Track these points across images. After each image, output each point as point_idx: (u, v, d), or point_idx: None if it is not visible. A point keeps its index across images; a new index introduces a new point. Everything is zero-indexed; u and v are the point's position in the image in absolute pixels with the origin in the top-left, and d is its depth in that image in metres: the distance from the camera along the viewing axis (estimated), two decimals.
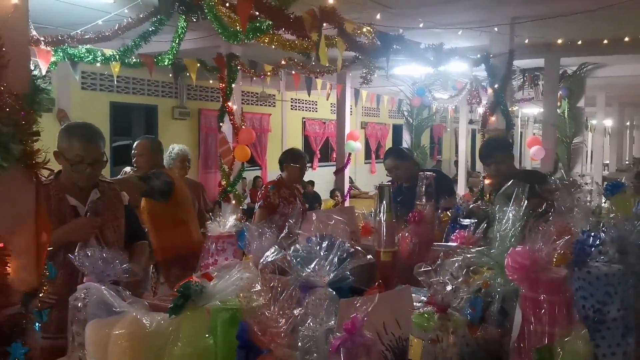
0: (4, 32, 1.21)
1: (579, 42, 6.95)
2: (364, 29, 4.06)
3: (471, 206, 2.96)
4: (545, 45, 7.21)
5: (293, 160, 4.32)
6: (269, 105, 12.69)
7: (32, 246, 1.29)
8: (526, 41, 6.71)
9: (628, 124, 22.20)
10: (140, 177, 3.68)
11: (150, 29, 4.14)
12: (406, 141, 12.23)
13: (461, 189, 10.65)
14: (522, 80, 8.78)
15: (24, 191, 1.28)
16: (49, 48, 3.99)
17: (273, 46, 4.52)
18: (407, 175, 3.89)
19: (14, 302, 1.23)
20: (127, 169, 5.28)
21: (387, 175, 4.13)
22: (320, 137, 14.55)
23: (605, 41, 6.75)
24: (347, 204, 8.97)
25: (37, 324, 1.30)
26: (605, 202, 2.28)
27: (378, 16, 4.79)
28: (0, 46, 1.19)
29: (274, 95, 12.07)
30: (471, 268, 1.74)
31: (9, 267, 1.21)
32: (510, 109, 5.75)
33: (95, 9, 5.35)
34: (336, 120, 9.68)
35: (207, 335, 1.49)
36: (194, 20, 3.59)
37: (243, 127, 6.51)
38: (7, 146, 1.16)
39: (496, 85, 5.44)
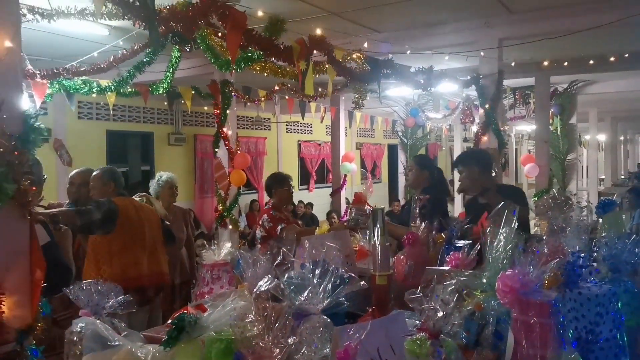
0: None
1: (566, 63, 7.07)
2: (354, 55, 4.13)
3: (465, 227, 2.98)
4: (535, 65, 7.31)
5: (280, 184, 4.34)
6: (264, 129, 12.76)
7: (27, 283, 1.30)
8: (512, 64, 6.82)
9: (622, 138, 22.34)
10: (76, 211, 3.34)
11: (144, 60, 4.20)
12: (402, 161, 12.28)
13: (457, 209, 10.65)
14: (513, 99, 8.87)
15: (18, 229, 1.30)
16: (44, 81, 4.03)
17: (265, 74, 4.58)
18: (417, 181, 4.06)
19: (8, 340, 1.23)
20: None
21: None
22: (316, 159, 14.60)
23: (592, 61, 6.87)
24: None
25: None
26: (599, 220, 2.30)
27: (365, 44, 4.88)
28: None
29: (269, 119, 12.14)
30: (464, 291, 1.75)
31: (4, 304, 1.22)
32: (502, 128, 5.81)
33: (90, 41, 5.42)
34: (331, 142, 9.74)
35: None
36: (187, 50, 3.64)
37: (238, 152, 6.54)
38: (1, 186, 1.18)
39: (487, 105, 5.51)
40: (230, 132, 6.45)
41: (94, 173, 3.77)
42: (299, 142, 14.20)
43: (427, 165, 4.15)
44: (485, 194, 3.45)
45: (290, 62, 3.22)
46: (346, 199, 9.84)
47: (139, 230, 3.60)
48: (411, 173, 4.12)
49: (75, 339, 1.76)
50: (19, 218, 1.29)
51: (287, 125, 13.60)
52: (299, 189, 14.05)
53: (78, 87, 4.74)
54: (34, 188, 1.27)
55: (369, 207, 3.73)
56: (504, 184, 3.84)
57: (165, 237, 3.86)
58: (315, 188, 14.30)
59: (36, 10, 3.38)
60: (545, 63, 7.00)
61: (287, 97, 7.38)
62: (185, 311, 1.59)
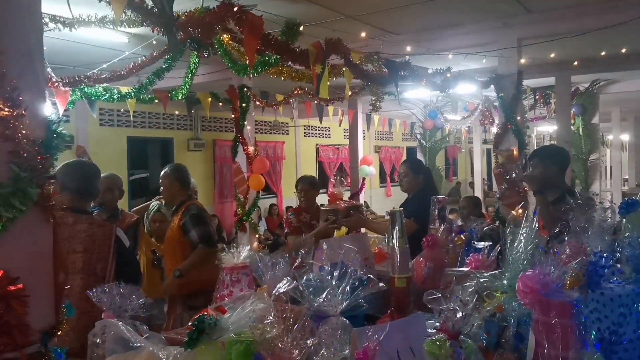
0: (20, 80, 1.27)
1: (588, 61, 6.96)
2: (373, 57, 4.13)
3: (485, 228, 2.95)
4: (555, 64, 7.22)
5: (309, 184, 4.40)
6: (283, 134, 12.82)
7: (50, 286, 1.33)
8: (535, 62, 6.74)
9: None
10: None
11: (163, 66, 4.26)
12: None
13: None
14: (533, 99, 8.77)
15: (42, 232, 1.32)
16: (66, 88, 4.12)
17: (282, 78, 4.61)
18: (411, 187, 4.07)
19: (33, 342, 1.26)
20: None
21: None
22: (334, 162, 14.61)
23: (612, 59, 6.75)
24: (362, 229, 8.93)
25: None
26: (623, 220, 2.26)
27: (382, 46, 4.87)
28: (17, 95, 1.25)
29: (287, 123, 12.19)
30: (485, 292, 1.74)
31: (28, 307, 1.24)
32: (522, 129, 5.75)
33: (110, 49, 5.52)
34: (349, 145, 9.73)
35: None
36: (205, 55, 3.68)
37: (257, 156, 6.58)
38: (25, 190, 1.21)
39: (506, 106, 5.45)
40: (248, 137, 6.50)
41: (163, 171, 3.90)
42: (317, 146, 14.23)
43: (421, 170, 4.16)
44: (551, 192, 3.26)
45: (307, 66, 3.23)
46: (364, 202, 9.82)
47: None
48: (406, 179, 4.09)
49: (97, 340, 1.79)
50: (43, 222, 1.32)
51: (305, 129, 13.63)
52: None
53: (99, 94, 4.83)
54: (55, 193, 1.30)
55: (345, 203, 4.17)
56: (574, 189, 3.57)
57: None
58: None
59: (58, 19, 3.45)
60: (568, 60, 6.89)
61: (304, 101, 7.40)
62: (205, 313, 1.60)
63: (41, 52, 1.34)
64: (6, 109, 1.20)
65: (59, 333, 1.33)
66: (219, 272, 2.40)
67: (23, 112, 1.23)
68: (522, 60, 5.75)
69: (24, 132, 1.23)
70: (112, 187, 3.94)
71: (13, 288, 1.20)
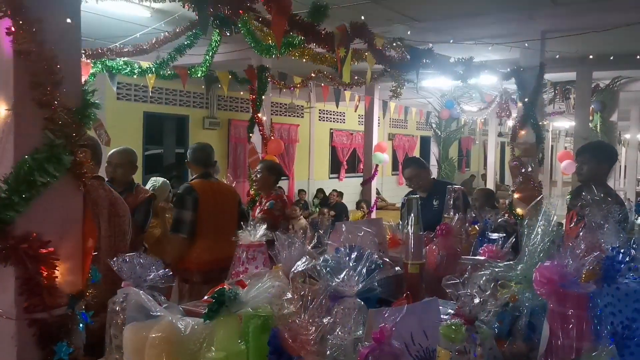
0: (58, 49, 1.30)
1: (612, 57, 6.86)
2: (394, 44, 4.11)
3: (499, 220, 2.96)
4: (577, 59, 7.13)
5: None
6: (298, 116, 12.81)
7: (79, 251, 1.36)
8: (557, 56, 6.66)
9: None
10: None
11: (185, 43, 4.27)
12: (434, 153, 12.17)
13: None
14: (553, 93, 8.68)
15: (73, 199, 1.36)
16: (88, 60, 4.14)
17: (304, 59, 4.60)
18: (427, 185, 4.02)
19: (61, 304, 1.30)
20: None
21: (407, 185, 4.22)
22: (347, 148, 14.60)
23: (636, 57, 6.65)
24: (373, 215, 8.97)
25: (81, 325, 1.37)
26: (637, 219, 2.26)
27: (409, 32, 4.84)
28: (55, 63, 1.27)
29: (302, 106, 12.19)
30: (499, 282, 1.76)
31: (58, 270, 1.28)
32: (540, 123, 5.71)
33: (133, 23, 5.53)
34: (364, 131, 9.72)
35: (239, 341, 1.53)
36: (227, 34, 3.68)
37: (272, 137, 6.60)
38: (59, 157, 1.24)
39: (526, 99, 5.41)
40: (264, 118, 6.51)
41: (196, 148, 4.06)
42: (332, 131, 14.21)
43: (423, 164, 4.17)
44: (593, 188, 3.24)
45: (330, 49, 3.23)
46: (376, 189, 9.83)
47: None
48: (420, 180, 4.08)
49: (117, 308, 1.84)
50: (74, 189, 1.35)
51: (320, 113, 13.61)
52: (329, 178, 14.08)
53: (120, 67, 4.86)
54: (88, 161, 1.33)
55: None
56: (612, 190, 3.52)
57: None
58: (346, 177, 14.31)
59: None
60: (591, 55, 6.80)
61: (323, 84, 7.38)
62: (223, 286, 1.64)
63: (78, 22, 1.36)
64: (44, 76, 1.23)
65: (85, 297, 1.36)
66: (236, 249, 2.45)
67: (60, 79, 1.26)
68: (546, 54, 5.69)
69: (59, 99, 1.26)
70: (122, 163, 3.98)
71: (44, 251, 1.24)
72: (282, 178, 12.89)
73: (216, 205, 3.85)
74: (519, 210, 5.04)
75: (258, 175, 4.61)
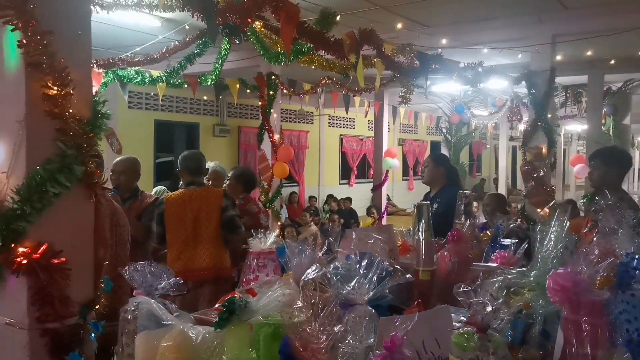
0: (69, 61, 1.31)
1: (623, 60, 6.80)
2: (406, 49, 4.12)
3: (511, 226, 2.93)
4: (588, 62, 7.08)
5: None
6: (307, 123, 12.84)
7: (90, 261, 1.37)
8: (568, 59, 6.62)
9: None
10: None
11: (195, 51, 4.30)
12: None
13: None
14: (564, 97, 8.61)
15: (84, 209, 1.37)
16: (100, 70, 4.19)
17: (313, 66, 4.62)
18: (432, 179, 4.06)
19: (73, 313, 1.31)
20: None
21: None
22: (357, 153, 14.59)
23: None
24: (384, 221, 8.94)
25: (93, 335, 1.37)
26: None
27: (417, 37, 4.84)
28: (66, 75, 1.29)
29: (312, 113, 12.21)
30: (512, 289, 1.74)
31: (70, 280, 1.29)
32: (552, 127, 5.66)
33: (144, 32, 5.58)
34: (374, 137, 9.70)
35: (250, 350, 1.53)
36: (237, 42, 3.71)
37: (282, 144, 6.61)
38: (70, 167, 1.25)
39: (537, 103, 5.38)
40: (274, 125, 6.53)
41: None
42: (341, 137, 14.21)
43: (442, 162, 4.17)
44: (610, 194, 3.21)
45: (340, 56, 3.24)
46: (387, 195, 9.80)
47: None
48: (427, 169, 4.13)
49: (129, 317, 1.84)
50: (85, 199, 1.36)
51: (329, 119, 13.63)
52: (340, 184, 14.07)
53: (131, 77, 4.91)
54: (99, 171, 1.34)
55: None
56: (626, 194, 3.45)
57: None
58: (356, 183, 14.29)
59: (96, 1, 3.50)
60: (603, 58, 6.75)
61: (332, 90, 7.39)
62: (234, 295, 1.64)
63: (89, 34, 1.37)
64: (55, 87, 1.24)
65: (96, 307, 1.37)
66: (247, 257, 2.45)
67: (71, 91, 1.27)
68: (556, 57, 5.66)
69: (71, 110, 1.27)
70: (125, 171, 4.07)
71: (56, 261, 1.25)
72: (292, 184, 12.80)
73: (185, 216, 3.81)
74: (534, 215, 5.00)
75: (227, 182, 4.64)
